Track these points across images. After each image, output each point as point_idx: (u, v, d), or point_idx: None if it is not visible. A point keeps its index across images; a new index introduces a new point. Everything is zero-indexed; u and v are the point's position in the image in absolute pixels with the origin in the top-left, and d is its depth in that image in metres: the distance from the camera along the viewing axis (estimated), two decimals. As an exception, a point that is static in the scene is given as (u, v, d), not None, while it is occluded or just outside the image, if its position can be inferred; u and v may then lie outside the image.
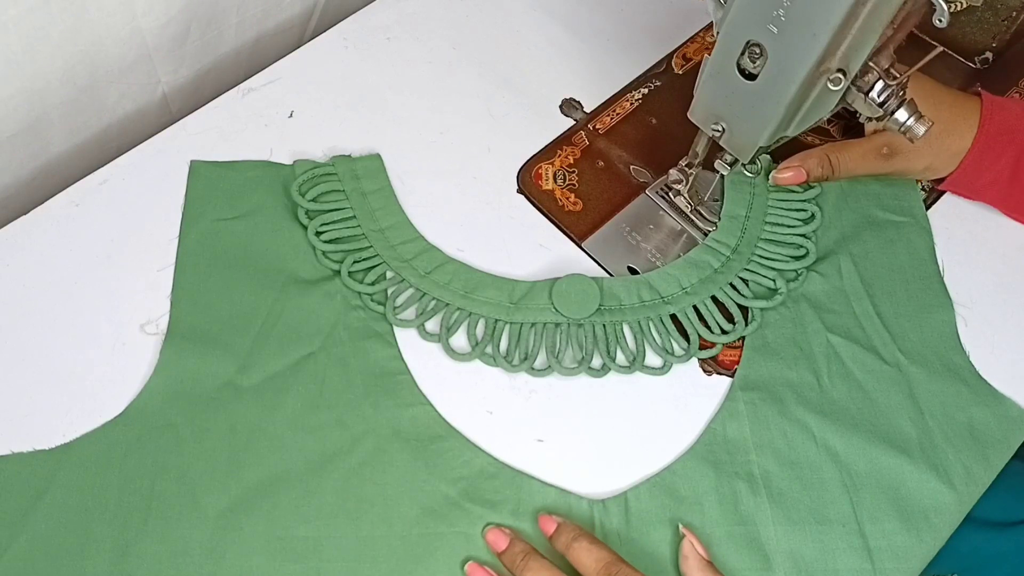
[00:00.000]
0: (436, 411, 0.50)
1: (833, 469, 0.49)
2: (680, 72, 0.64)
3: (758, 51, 0.44)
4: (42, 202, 0.55)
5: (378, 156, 0.58)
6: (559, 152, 0.60)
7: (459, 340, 0.52)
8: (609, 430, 0.51)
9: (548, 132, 0.61)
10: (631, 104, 0.62)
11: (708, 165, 0.54)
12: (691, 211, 0.57)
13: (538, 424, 0.51)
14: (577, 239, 0.57)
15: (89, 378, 0.50)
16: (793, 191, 0.57)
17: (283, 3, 0.67)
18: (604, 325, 0.53)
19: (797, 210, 0.57)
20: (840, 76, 0.43)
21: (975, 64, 0.64)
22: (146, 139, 0.58)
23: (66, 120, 0.59)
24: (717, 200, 0.58)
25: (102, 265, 0.53)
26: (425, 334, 0.52)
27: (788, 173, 0.55)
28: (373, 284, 0.53)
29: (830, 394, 0.51)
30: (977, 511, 0.49)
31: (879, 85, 0.44)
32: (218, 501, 0.46)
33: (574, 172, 0.59)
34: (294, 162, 0.57)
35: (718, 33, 0.45)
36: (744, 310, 0.54)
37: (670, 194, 0.58)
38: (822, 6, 0.40)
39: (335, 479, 0.47)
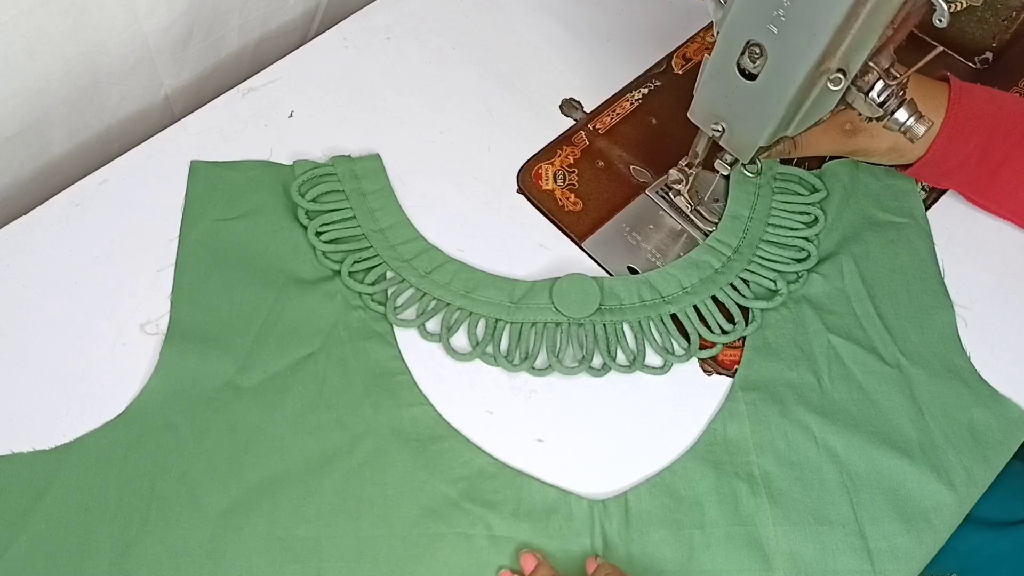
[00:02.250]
0: (436, 411, 0.50)
1: (833, 470, 0.49)
2: (680, 72, 0.64)
3: (758, 51, 0.44)
4: (42, 202, 0.55)
5: (377, 156, 0.58)
6: (559, 152, 0.60)
7: (459, 340, 0.52)
8: (609, 430, 0.51)
9: (548, 132, 0.61)
10: (631, 104, 0.62)
11: (708, 165, 0.54)
12: (691, 211, 0.57)
13: (538, 424, 0.51)
14: (577, 239, 0.57)
15: (89, 378, 0.50)
16: (799, 194, 0.57)
17: (286, 5, 0.67)
18: (604, 325, 0.53)
19: (801, 213, 0.57)
20: (840, 76, 0.43)
21: (975, 64, 0.64)
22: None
23: (67, 121, 0.59)
24: (717, 200, 0.58)
25: (102, 265, 0.53)
26: (426, 334, 0.52)
27: None
28: (373, 284, 0.53)
29: (831, 395, 0.51)
30: (977, 511, 0.49)
31: (879, 85, 0.44)
32: (218, 501, 0.46)
33: (574, 172, 0.59)
34: (294, 162, 0.57)
35: (718, 33, 0.45)
36: (744, 310, 0.54)
37: (670, 194, 0.58)
38: (822, 6, 0.40)
39: (335, 479, 0.47)
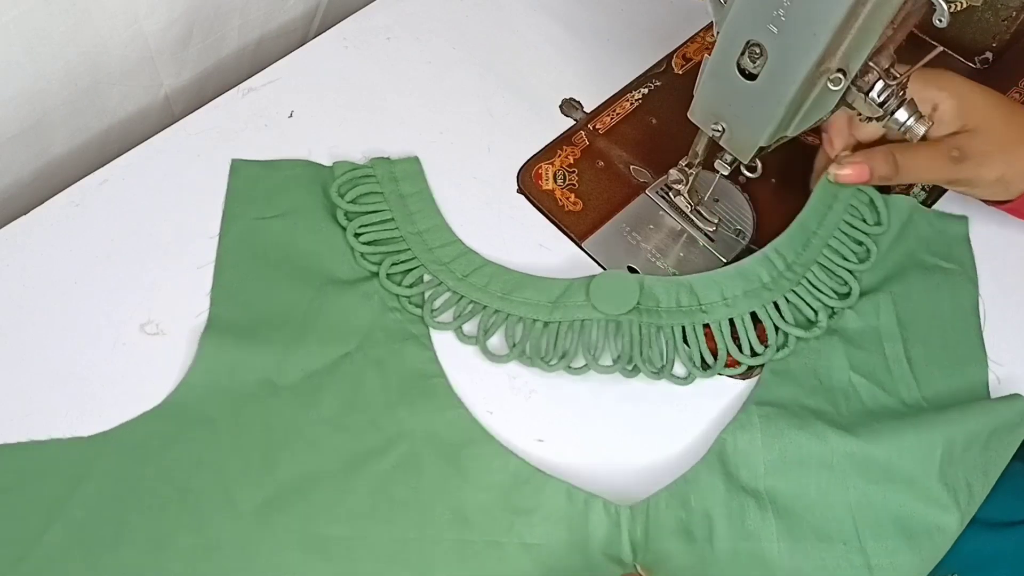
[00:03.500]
0: (471, 415, 0.49)
1: (840, 488, 0.47)
2: (680, 72, 0.64)
3: (758, 51, 0.44)
4: (42, 202, 0.55)
5: (416, 159, 0.57)
6: (559, 152, 0.60)
7: (497, 342, 0.52)
8: (609, 430, 0.51)
9: (548, 132, 0.61)
10: (631, 104, 0.62)
11: (708, 165, 0.54)
12: (691, 211, 0.57)
13: (538, 424, 0.50)
14: (577, 239, 0.57)
15: (89, 378, 0.49)
16: (864, 220, 0.55)
17: (286, 5, 0.67)
18: (640, 326, 0.52)
19: (858, 242, 0.54)
20: (840, 76, 0.43)
21: (975, 64, 0.64)
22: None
23: (67, 121, 0.59)
24: (717, 200, 0.58)
25: (102, 265, 0.53)
26: (463, 336, 0.52)
27: (848, 170, 0.51)
28: (411, 287, 0.53)
29: (846, 419, 0.49)
30: (977, 511, 0.48)
31: (879, 85, 0.44)
32: (253, 497, 0.46)
33: (574, 172, 0.59)
34: (333, 163, 0.57)
35: (718, 33, 0.45)
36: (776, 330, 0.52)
37: (670, 194, 0.58)
38: (822, 6, 0.40)
39: (369, 480, 0.47)
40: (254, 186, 0.56)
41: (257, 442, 0.47)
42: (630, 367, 0.51)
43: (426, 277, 0.53)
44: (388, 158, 0.57)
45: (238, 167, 0.56)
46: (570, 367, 0.51)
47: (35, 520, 0.45)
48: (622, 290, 0.52)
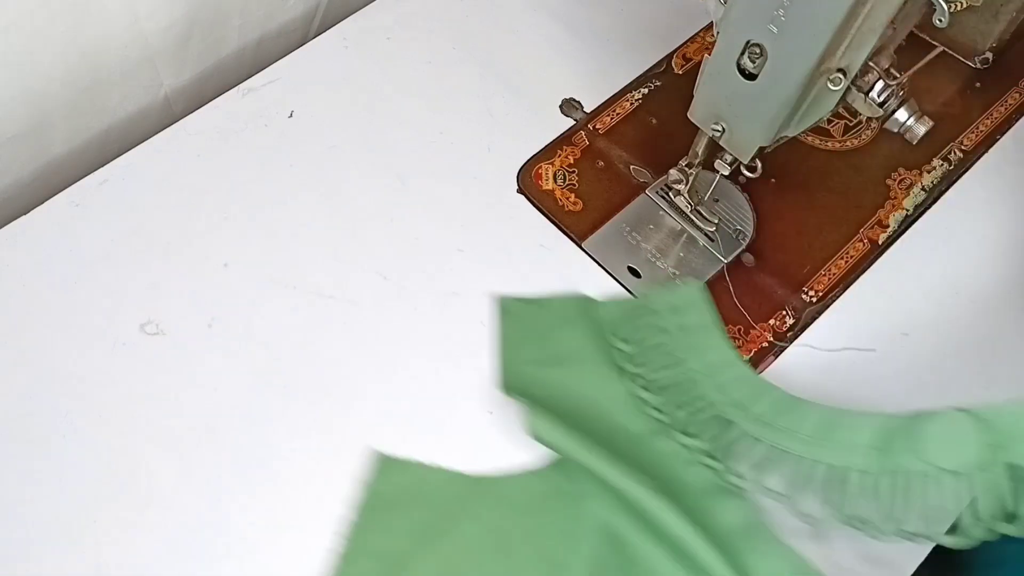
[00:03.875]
0: (803, 560, 0.44)
1: None
2: (680, 72, 0.64)
3: (758, 51, 0.44)
4: (42, 202, 0.55)
5: (699, 284, 0.51)
6: (559, 152, 0.60)
7: (810, 499, 0.45)
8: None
9: (548, 132, 0.61)
10: (631, 104, 0.62)
11: (708, 165, 0.54)
12: (691, 211, 0.57)
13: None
14: (577, 239, 0.57)
15: (89, 378, 0.50)
16: None
17: (286, 5, 0.67)
18: (998, 476, 0.42)
19: None
20: (840, 76, 0.43)
21: (975, 64, 0.64)
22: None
23: (68, 122, 0.59)
24: (717, 200, 0.58)
25: (102, 265, 0.53)
26: (769, 493, 0.45)
27: None
28: (709, 439, 0.47)
29: None
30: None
31: (879, 85, 0.44)
32: None
33: (574, 172, 0.59)
34: (607, 300, 0.53)
35: (718, 33, 0.45)
36: None
37: (670, 194, 0.58)
38: (822, 6, 0.40)
39: None
40: (526, 328, 0.52)
41: (614, 547, 0.45)
42: (985, 529, 0.42)
43: (721, 423, 0.47)
44: (666, 288, 0.52)
45: (508, 307, 0.52)
46: (909, 533, 0.43)
47: (404, 543, 0.44)
48: (959, 435, 0.42)
